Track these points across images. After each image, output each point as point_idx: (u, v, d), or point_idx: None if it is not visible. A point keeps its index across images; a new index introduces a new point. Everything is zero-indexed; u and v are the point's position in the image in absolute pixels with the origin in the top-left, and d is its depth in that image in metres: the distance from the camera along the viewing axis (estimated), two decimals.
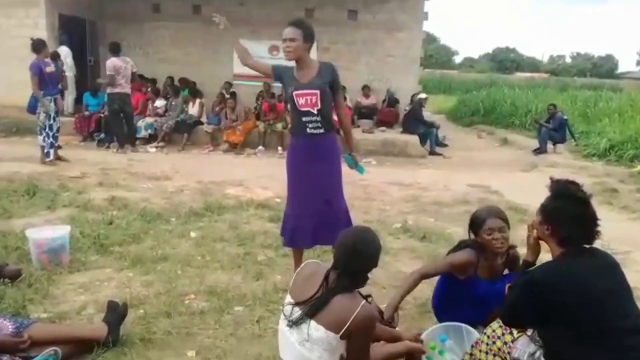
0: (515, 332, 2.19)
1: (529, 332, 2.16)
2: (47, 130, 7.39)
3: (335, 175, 3.51)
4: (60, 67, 8.54)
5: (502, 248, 2.70)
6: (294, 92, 3.36)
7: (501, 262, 2.85)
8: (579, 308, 1.88)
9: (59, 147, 7.76)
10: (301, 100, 3.35)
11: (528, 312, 2.01)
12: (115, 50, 8.75)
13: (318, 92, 3.35)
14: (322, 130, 3.39)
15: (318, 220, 3.44)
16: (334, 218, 3.46)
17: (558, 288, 1.91)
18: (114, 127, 9.15)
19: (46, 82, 7.27)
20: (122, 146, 8.96)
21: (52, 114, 7.42)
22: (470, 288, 2.81)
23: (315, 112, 3.36)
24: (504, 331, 2.21)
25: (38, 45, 7.36)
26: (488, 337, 2.26)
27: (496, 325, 2.26)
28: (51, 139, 7.44)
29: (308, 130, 3.38)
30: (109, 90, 8.75)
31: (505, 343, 2.19)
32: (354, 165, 3.70)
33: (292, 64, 3.44)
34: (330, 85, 3.41)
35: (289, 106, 3.49)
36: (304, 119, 3.37)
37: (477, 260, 2.79)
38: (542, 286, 1.95)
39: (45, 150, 7.46)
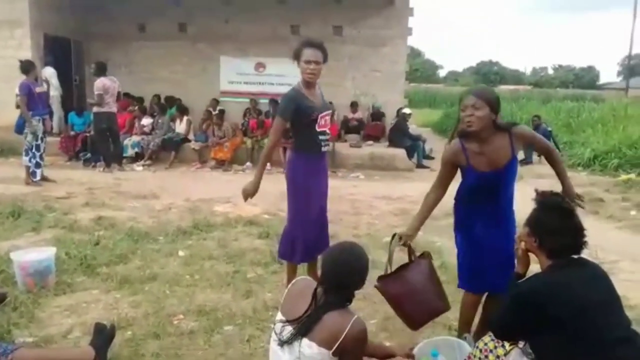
0: (507, 345, 2.19)
1: (521, 344, 2.15)
2: (33, 150, 7.36)
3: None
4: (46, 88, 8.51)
5: (470, 125, 2.60)
6: (320, 115, 3.42)
7: (501, 147, 2.67)
8: (570, 319, 1.89)
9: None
10: (322, 121, 3.46)
11: (519, 325, 2.02)
12: (102, 70, 8.68)
13: (330, 112, 3.62)
14: (329, 146, 3.65)
15: (321, 228, 3.62)
16: (326, 222, 3.69)
17: (548, 300, 1.92)
18: (100, 146, 9.08)
19: (35, 102, 7.28)
20: (109, 165, 8.89)
21: (40, 135, 7.41)
22: (466, 178, 2.80)
23: (328, 130, 3.54)
24: (496, 344, 2.21)
25: (27, 66, 7.40)
26: (480, 350, 2.25)
27: (488, 339, 2.26)
28: (37, 159, 7.41)
29: (323, 148, 3.51)
30: (96, 109, 8.69)
31: (498, 357, 2.18)
32: None
33: (290, 80, 3.62)
34: None
35: (289, 125, 3.47)
36: (320, 137, 3.46)
37: (463, 148, 2.73)
38: (531, 298, 1.96)
39: (31, 170, 7.41)
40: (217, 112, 10.77)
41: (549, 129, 11.24)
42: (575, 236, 2.05)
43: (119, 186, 7.55)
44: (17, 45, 10.29)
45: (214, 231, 5.27)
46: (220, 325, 3.20)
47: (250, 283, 3.92)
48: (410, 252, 2.86)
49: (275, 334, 2.14)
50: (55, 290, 3.64)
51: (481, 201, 2.78)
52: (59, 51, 11.35)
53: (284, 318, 2.14)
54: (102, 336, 2.73)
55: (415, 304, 2.79)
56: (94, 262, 4.18)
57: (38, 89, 7.39)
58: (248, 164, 9.82)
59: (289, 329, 2.08)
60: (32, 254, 3.75)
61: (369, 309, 3.53)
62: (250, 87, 12.18)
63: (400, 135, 10.81)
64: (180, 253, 4.56)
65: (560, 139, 12.11)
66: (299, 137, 3.49)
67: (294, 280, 2.32)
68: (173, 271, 4.13)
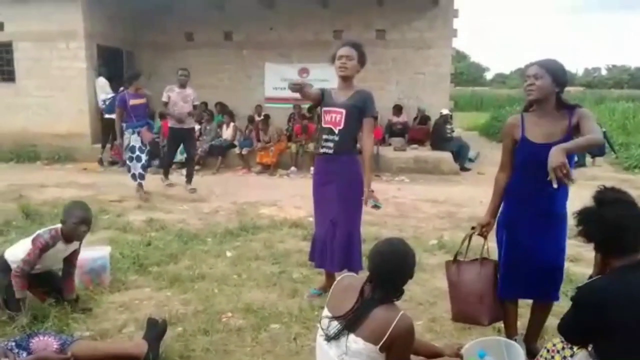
0: (575, 347, 2.12)
1: (590, 347, 2.08)
2: (133, 162, 7.20)
3: (346, 198, 3.44)
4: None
5: (529, 94, 2.60)
6: (324, 108, 3.47)
7: (559, 122, 2.59)
8: (636, 324, 1.82)
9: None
10: (327, 117, 3.45)
11: (581, 328, 1.97)
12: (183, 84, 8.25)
13: (344, 111, 3.40)
14: (331, 152, 3.43)
15: (324, 243, 3.53)
16: (337, 243, 3.45)
17: (610, 303, 1.86)
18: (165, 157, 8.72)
19: (129, 114, 7.15)
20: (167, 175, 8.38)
21: (137, 145, 7.18)
22: (518, 154, 2.71)
23: (337, 131, 3.41)
24: (565, 345, 2.14)
25: (129, 78, 7.61)
26: (548, 351, 2.20)
27: (557, 340, 2.19)
28: (140, 170, 7.21)
29: (321, 149, 3.49)
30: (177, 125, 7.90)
31: (565, 358, 2.12)
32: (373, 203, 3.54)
33: (334, 85, 3.56)
34: (359, 109, 3.42)
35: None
36: (323, 136, 3.47)
37: (522, 120, 2.69)
38: (592, 301, 1.90)
39: (137, 181, 7.24)
40: (262, 117, 10.94)
41: (604, 129, 10.81)
42: None
43: (169, 190, 7.77)
44: (72, 56, 10.75)
45: (260, 233, 5.35)
46: (267, 323, 3.25)
47: (296, 283, 3.96)
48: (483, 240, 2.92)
49: (322, 329, 2.15)
50: (110, 288, 3.79)
51: (531, 190, 2.64)
52: (111, 61, 11.80)
53: (330, 314, 2.16)
54: (155, 331, 2.83)
55: (458, 299, 2.86)
56: (146, 261, 4.33)
57: (132, 101, 7.19)
58: (293, 168, 9.92)
59: (335, 325, 2.09)
60: (88, 253, 3.89)
61: (416, 310, 3.50)
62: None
63: (439, 138, 10.64)
64: (228, 254, 4.65)
65: (616, 140, 11.64)
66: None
67: (339, 277, 2.33)
68: (221, 271, 4.22)
